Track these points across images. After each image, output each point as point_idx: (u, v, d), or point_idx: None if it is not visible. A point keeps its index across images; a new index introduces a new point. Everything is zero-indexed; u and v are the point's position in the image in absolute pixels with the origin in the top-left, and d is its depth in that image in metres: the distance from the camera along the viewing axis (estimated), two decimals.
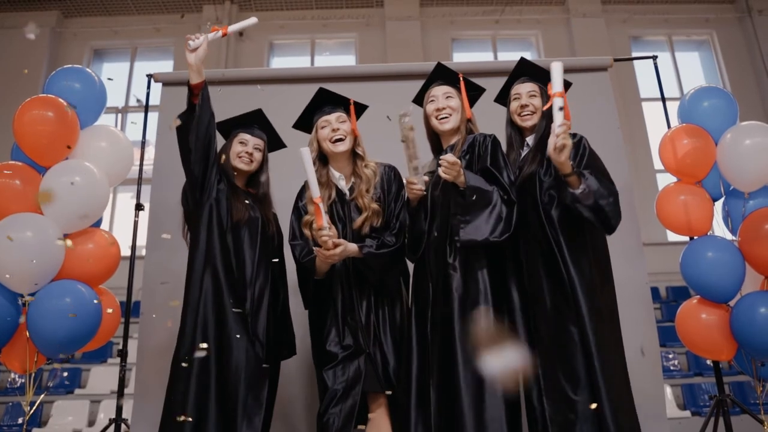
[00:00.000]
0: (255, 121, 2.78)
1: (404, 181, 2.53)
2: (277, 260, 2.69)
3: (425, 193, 2.44)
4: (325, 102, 2.67)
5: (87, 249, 2.92)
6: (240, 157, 2.69)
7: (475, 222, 2.30)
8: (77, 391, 6.42)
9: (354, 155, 2.67)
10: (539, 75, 2.60)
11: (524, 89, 2.60)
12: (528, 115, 2.56)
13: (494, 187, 2.35)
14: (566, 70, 2.38)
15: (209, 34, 2.57)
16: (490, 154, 2.46)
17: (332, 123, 2.62)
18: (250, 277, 2.55)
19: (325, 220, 2.38)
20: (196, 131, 2.51)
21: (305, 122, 2.74)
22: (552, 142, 2.19)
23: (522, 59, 2.67)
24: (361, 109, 2.74)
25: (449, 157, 2.29)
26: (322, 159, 2.67)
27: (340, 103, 2.68)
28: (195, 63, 2.52)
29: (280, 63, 10.15)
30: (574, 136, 2.38)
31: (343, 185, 2.65)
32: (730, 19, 9.94)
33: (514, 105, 2.62)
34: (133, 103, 9.49)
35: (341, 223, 2.61)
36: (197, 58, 2.52)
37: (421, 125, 2.66)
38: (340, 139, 2.60)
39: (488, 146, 2.48)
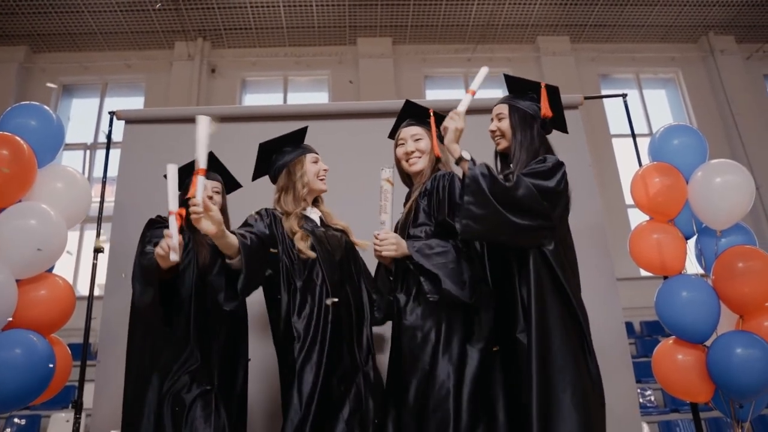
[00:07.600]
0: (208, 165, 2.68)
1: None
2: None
3: (387, 257, 2.32)
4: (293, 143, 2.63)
5: (39, 295, 2.77)
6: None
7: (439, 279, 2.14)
8: None
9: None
10: (519, 95, 2.50)
11: (492, 125, 2.50)
12: (498, 138, 2.47)
13: (449, 244, 2.22)
14: None
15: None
16: (448, 195, 2.30)
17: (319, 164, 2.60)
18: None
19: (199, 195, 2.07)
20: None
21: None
22: None
23: (505, 76, 2.57)
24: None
25: (381, 235, 2.24)
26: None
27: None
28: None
29: (253, 100, 10.13)
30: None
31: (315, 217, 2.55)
32: (694, 58, 10.25)
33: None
34: (102, 139, 9.32)
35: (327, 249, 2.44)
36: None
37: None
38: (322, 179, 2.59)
39: (446, 187, 2.31)
